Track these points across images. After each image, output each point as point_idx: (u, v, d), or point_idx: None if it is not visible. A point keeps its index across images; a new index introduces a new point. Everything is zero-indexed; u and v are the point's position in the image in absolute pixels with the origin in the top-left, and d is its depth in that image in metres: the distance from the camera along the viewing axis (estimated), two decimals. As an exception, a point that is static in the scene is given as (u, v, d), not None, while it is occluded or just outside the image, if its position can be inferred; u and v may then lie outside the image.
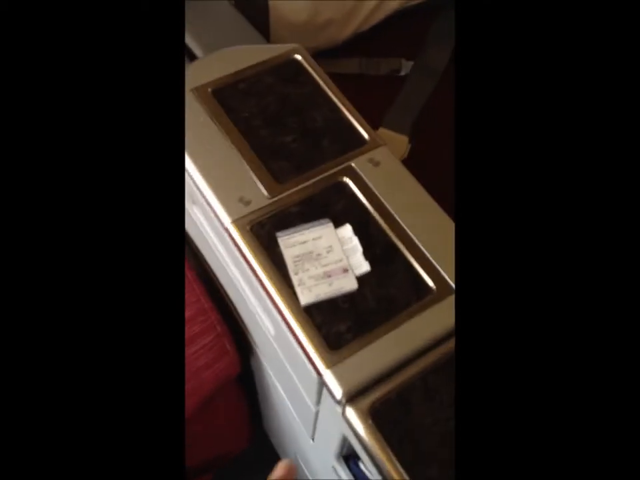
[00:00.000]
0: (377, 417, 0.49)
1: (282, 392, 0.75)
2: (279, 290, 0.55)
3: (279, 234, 0.59)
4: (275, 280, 0.56)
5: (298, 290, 0.55)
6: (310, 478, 0.84)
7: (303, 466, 0.86)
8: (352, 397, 0.50)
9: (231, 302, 0.77)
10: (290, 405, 0.73)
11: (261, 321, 0.64)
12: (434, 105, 0.87)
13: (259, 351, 0.76)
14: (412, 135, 0.84)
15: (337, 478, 0.63)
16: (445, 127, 0.84)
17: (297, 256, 0.58)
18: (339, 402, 0.50)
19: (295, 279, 0.56)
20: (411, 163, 0.79)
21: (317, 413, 0.61)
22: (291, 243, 0.59)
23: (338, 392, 0.50)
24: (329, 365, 0.51)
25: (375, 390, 0.50)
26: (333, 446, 0.59)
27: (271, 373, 0.76)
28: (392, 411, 0.49)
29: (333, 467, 0.63)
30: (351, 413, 0.49)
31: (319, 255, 0.58)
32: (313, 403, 0.59)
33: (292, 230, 0.59)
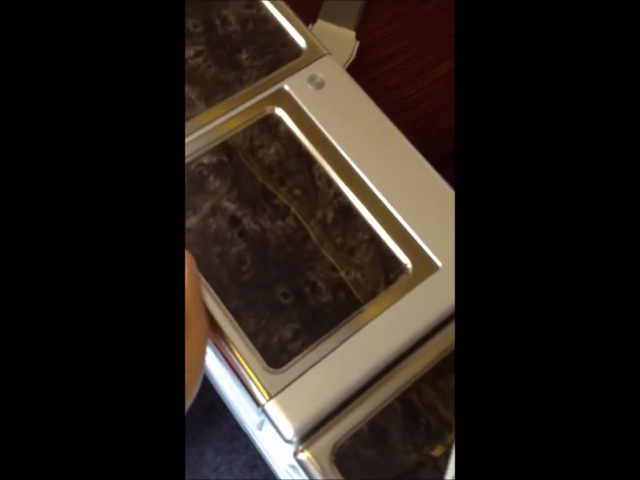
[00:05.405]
0: (343, 460, 0.36)
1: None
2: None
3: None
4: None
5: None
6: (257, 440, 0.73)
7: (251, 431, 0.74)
8: (307, 435, 0.36)
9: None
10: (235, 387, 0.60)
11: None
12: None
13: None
14: (359, 27, 0.64)
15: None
16: (404, 9, 0.65)
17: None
18: (289, 442, 0.37)
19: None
20: (358, 68, 0.61)
21: (262, 422, 0.48)
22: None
23: (287, 430, 0.36)
24: (272, 392, 0.36)
25: (337, 422, 0.36)
26: (285, 458, 0.47)
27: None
28: (363, 449, 0.36)
29: (286, 470, 0.51)
30: (306, 457, 0.36)
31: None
32: (255, 414, 0.45)
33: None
